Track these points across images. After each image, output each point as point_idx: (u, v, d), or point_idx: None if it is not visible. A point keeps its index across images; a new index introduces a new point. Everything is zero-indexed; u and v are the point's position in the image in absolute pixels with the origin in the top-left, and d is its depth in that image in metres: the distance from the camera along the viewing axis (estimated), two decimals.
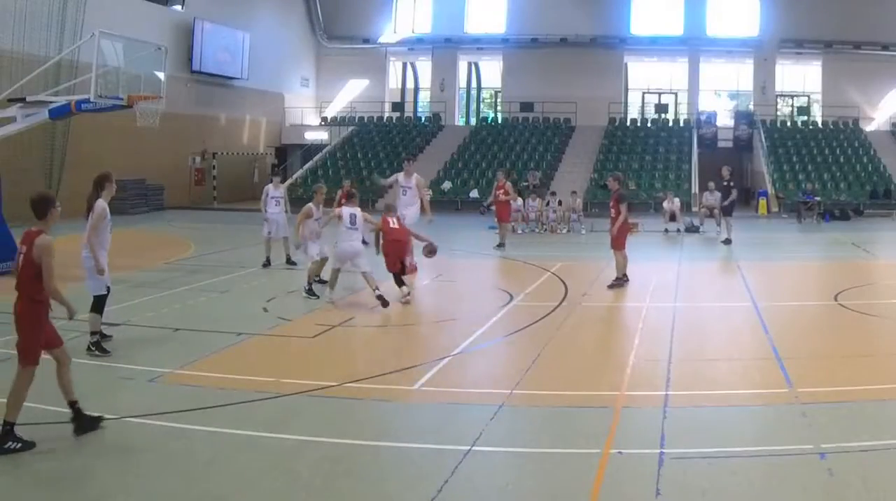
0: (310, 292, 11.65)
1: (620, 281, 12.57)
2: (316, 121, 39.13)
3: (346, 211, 11.19)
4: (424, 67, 40.45)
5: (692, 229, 22.00)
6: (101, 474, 5.28)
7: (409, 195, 14.70)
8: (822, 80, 36.62)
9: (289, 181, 32.67)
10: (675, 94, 38.49)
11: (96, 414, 6.07)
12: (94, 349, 8.22)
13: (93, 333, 8.29)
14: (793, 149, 32.63)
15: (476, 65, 40.63)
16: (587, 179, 30.19)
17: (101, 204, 8.35)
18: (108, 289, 8.57)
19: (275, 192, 14.99)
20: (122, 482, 5.14)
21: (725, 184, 19.62)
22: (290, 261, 14.57)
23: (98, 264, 8.23)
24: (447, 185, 31.12)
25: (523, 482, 5.22)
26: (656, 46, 37.43)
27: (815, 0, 34.82)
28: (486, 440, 5.88)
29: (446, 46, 38.77)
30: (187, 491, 5.04)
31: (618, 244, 12.73)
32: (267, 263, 14.55)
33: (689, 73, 37.69)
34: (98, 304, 8.38)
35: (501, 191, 18.74)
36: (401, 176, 15.00)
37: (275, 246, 14.77)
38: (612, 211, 12.87)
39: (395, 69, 40.97)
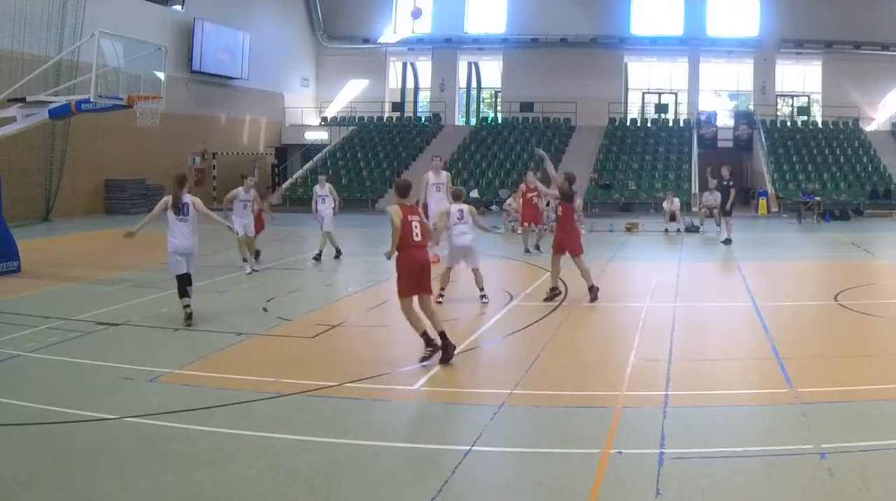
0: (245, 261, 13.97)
1: (593, 290, 11.19)
2: (316, 121, 39.13)
3: (454, 207, 11.35)
4: (424, 67, 40.43)
5: (692, 229, 22.00)
6: (100, 474, 5.27)
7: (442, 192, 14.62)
8: (822, 80, 36.63)
9: (288, 181, 32.79)
10: (675, 94, 38.50)
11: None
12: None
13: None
14: (793, 149, 32.65)
15: (476, 65, 40.60)
16: (587, 179, 30.18)
17: (197, 200, 10.01)
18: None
19: (321, 191, 16.28)
20: (121, 482, 5.13)
21: (724, 183, 19.64)
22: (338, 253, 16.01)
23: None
24: None
25: (523, 482, 5.21)
26: (656, 46, 37.45)
27: (815, 0, 34.85)
28: (486, 440, 5.88)
29: (446, 46, 38.78)
30: (187, 491, 5.03)
31: (572, 249, 11.36)
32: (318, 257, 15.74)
33: (689, 73, 37.71)
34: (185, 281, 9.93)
35: (535, 193, 17.07)
36: (430, 174, 15.29)
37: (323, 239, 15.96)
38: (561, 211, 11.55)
39: (395, 69, 40.94)
